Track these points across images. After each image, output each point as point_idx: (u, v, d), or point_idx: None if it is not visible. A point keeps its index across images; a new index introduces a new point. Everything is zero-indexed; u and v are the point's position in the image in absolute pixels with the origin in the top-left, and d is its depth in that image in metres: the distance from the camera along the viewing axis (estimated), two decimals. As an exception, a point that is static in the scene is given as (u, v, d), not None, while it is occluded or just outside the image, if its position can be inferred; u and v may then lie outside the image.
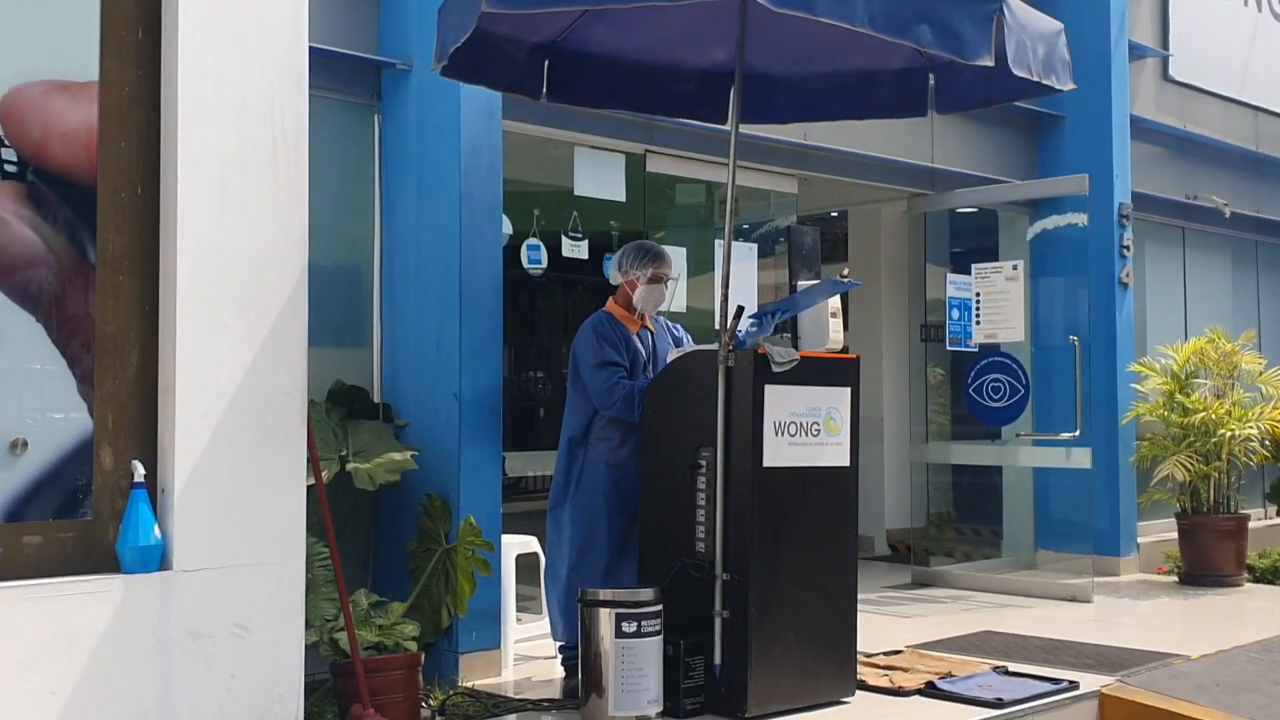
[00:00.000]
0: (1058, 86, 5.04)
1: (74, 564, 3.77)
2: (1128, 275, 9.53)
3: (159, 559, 3.82)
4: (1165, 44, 10.64)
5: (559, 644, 5.75)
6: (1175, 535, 9.31)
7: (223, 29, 4.01)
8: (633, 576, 5.52)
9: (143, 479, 3.82)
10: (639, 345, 5.72)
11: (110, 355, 3.87)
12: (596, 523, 5.60)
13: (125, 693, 3.70)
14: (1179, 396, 9.23)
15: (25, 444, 3.71)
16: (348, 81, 6.15)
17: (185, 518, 3.87)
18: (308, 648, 4.26)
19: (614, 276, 5.84)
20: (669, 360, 5.65)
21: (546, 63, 5.88)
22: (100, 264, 3.86)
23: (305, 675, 4.15)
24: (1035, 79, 4.90)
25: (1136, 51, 10.06)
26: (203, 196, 3.95)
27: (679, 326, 6.05)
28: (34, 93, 3.75)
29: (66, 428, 3.80)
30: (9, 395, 3.69)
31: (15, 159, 3.71)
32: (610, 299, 5.84)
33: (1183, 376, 9.33)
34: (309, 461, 4.31)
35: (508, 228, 6.65)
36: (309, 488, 4.27)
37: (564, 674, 5.67)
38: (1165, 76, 10.70)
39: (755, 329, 5.48)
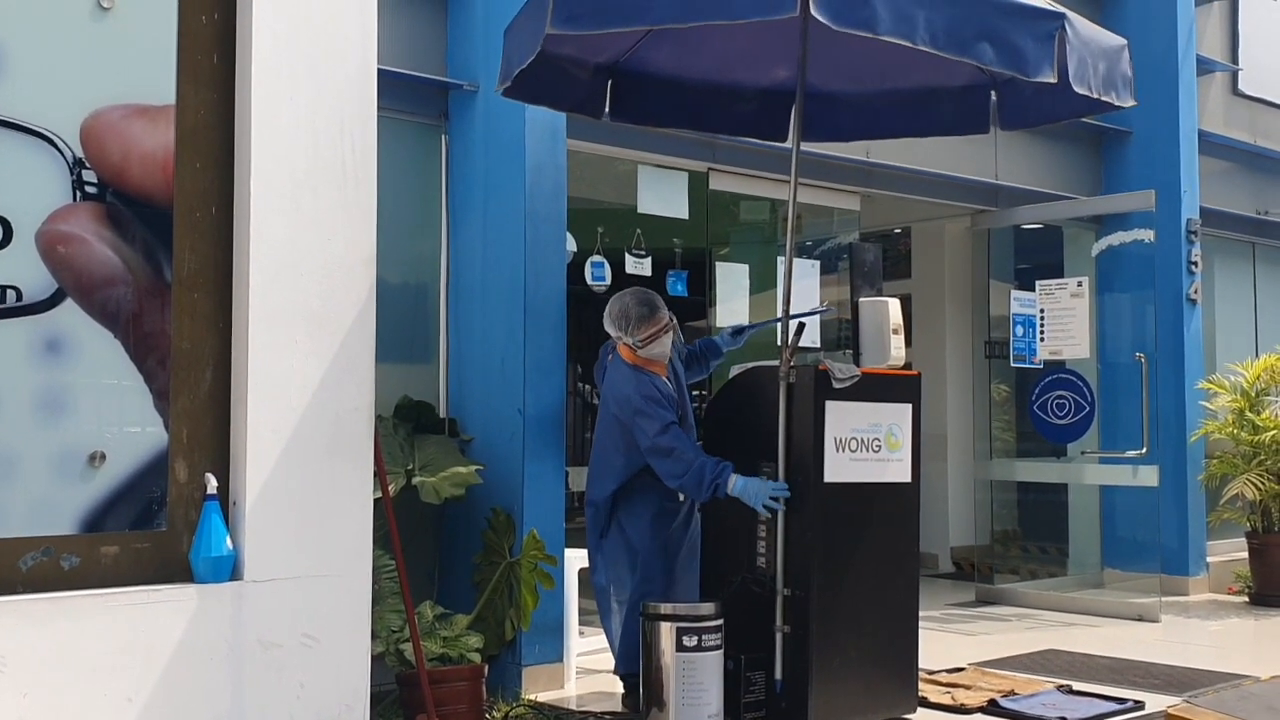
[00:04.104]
0: (1117, 103, 5.03)
1: (149, 574, 3.86)
2: (1196, 291, 9.43)
3: (230, 569, 3.90)
4: (1234, 58, 10.53)
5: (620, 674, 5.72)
6: (1245, 555, 9.19)
7: (295, 53, 4.11)
8: (683, 589, 5.52)
9: (215, 491, 3.90)
10: (673, 392, 5.48)
11: (185, 371, 3.97)
12: (646, 558, 5.47)
13: (198, 700, 3.79)
14: (1249, 414, 9.12)
15: (104, 457, 3.81)
16: (415, 103, 6.27)
17: (256, 529, 3.95)
18: (374, 658, 4.33)
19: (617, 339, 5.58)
20: (731, 376, 5.66)
21: (609, 83, 5.95)
22: (176, 282, 3.96)
23: (371, 685, 4.21)
24: (1095, 95, 4.90)
25: (1205, 66, 9.97)
26: (275, 216, 4.05)
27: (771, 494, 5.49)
28: (114, 116, 3.86)
29: (143, 441, 3.90)
30: (89, 410, 3.79)
31: (96, 180, 3.82)
32: (622, 348, 5.54)
33: (1253, 394, 9.22)
34: (376, 475, 4.38)
35: (572, 245, 6.72)
36: (376, 501, 4.34)
37: (624, 691, 5.68)
38: (1235, 91, 10.59)
39: (731, 338, 5.82)
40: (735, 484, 5.15)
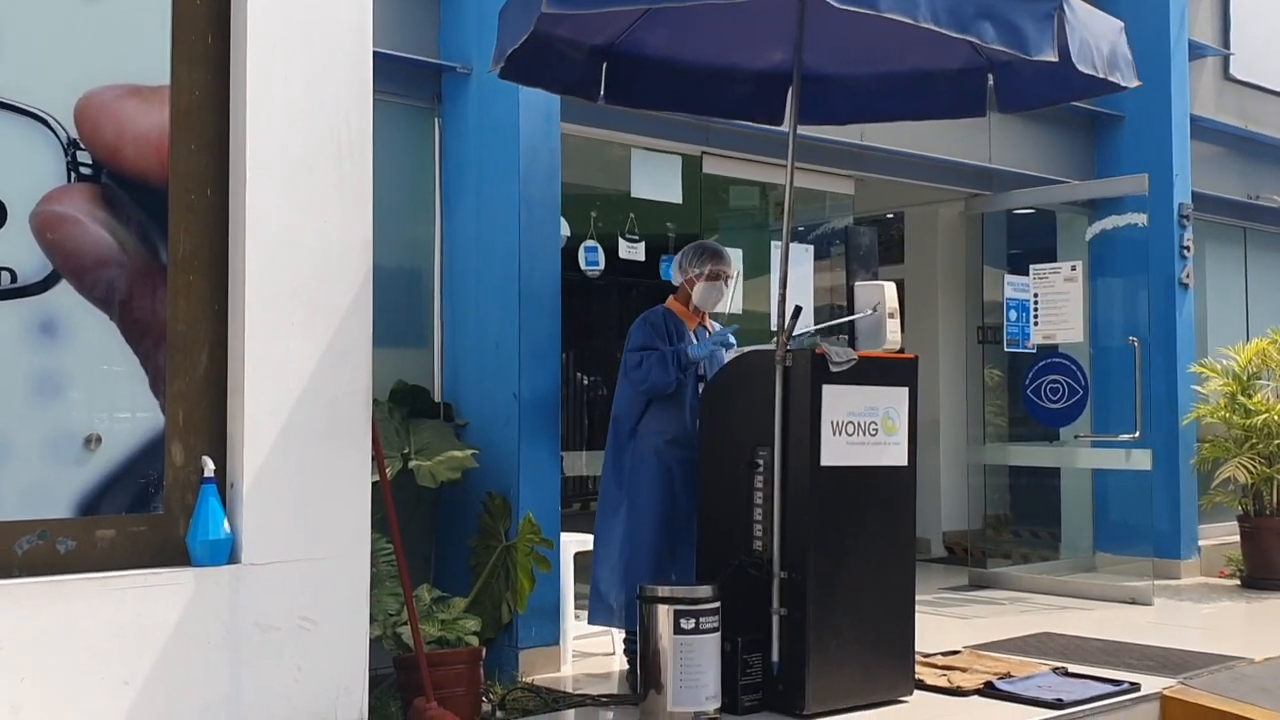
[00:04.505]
0: (1123, 84, 5.02)
1: (146, 557, 3.84)
2: (1188, 276, 9.45)
3: (228, 553, 3.89)
4: (1226, 43, 10.53)
5: (624, 634, 5.74)
6: (1237, 538, 9.21)
7: (290, 35, 4.08)
8: (682, 569, 5.54)
9: (212, 474, 3.89)
10: (693, 340, 5.70)
11: (181, 354, 3.95)
12: (646, 514, 5.57)
13: (196, 683, 3.77)
14: (1240, 398, 9.13)
15: (99, 440, 3.79)
16: (409, 85, 6.23)
17: (253, 512, 3.94)
18: (371, 642, 4.31)
19: (675, 276, 5.85)
20: (725, 361, 5.67)
21: (604, 65, 5.93)
22: (171, 264, 3.93)
23: (369, 669, 4.20)
24: (1101, 76, 4.89)
25: (1197, 50, 9.96)
26: (270, 198, 4.02)
27: (729, 333, 5.94)
28: (108, 97, 3.84)
29: (139, 424, 3.88)
30: (84, 393, 3.77)
31: (90, 161, 3.80)
32: (670, 297, 5.85)
33: (1244, 378, 9.23)
34: (373, 459, 4.36)
35: (566, 230, 6.70)
36: (373, 484, 4.33)
37: (626, 667, 5.68)
38: (1226, 75, 10.59)
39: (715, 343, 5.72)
40: (694, 350, 5.56)
